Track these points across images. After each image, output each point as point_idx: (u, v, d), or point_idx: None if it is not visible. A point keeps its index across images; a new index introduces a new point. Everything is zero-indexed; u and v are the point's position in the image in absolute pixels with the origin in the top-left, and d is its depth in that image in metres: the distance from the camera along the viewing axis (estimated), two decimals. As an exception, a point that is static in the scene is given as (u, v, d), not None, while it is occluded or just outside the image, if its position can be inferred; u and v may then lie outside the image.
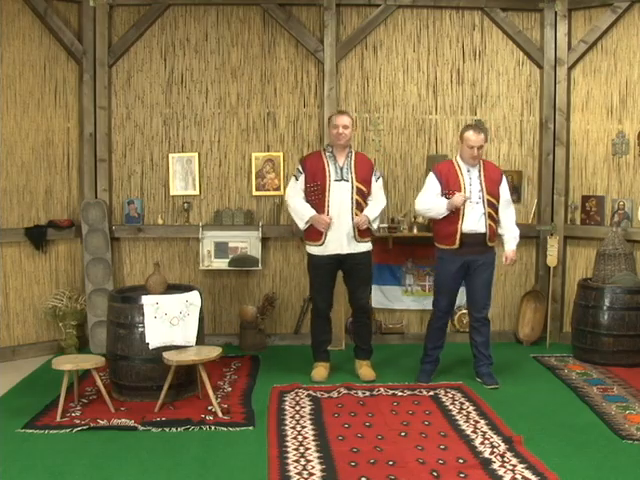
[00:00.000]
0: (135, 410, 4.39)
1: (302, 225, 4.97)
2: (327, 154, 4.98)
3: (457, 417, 4.31)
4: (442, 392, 4.78)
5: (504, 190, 4.97)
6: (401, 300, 6.20)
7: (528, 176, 6.18)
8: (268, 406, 4.51)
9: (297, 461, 3.65)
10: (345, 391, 4.78)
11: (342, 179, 4.92)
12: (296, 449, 3.80)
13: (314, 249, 4.99)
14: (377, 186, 5.06)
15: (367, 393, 4.75)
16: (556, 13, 5.98)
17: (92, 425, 4.13)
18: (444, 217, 4.85)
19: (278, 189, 5.99)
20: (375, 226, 5.08)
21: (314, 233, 4.95)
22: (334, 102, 5.91)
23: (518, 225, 5.08)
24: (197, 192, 6.06)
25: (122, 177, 6.06)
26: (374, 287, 6.08)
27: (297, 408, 4.46)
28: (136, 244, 6.09)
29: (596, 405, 4.51)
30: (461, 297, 5.22)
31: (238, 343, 6.04)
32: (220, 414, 4.30)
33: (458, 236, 4.82)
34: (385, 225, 5.91)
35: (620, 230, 5.69)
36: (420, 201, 4.95)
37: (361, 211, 4.94)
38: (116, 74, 5.98)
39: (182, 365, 4.41)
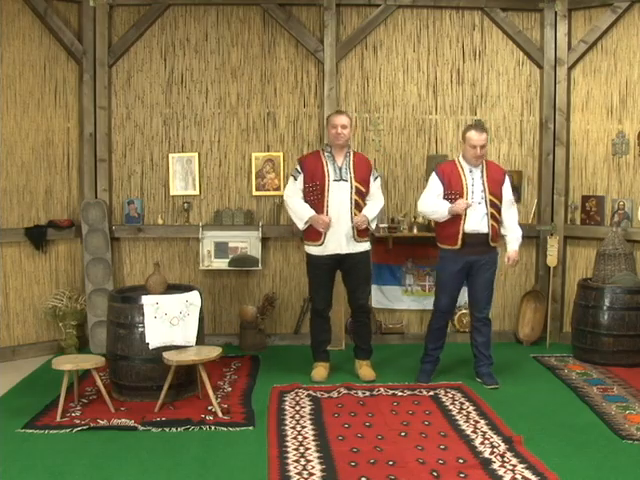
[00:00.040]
0: (135, 410, 4.39)
1: (301, 225, 4.97)
2: (326, 154, 4.98)
3: (457, 417, 4.31)
4: (442, 392, 4.78)
5: (507, 190, 4.96)
6: (401, 300, 6.20)
7: (528, 176, 6.18)
8: (268, 406, 4.51)
9: (297, 461, 3.65)
10: (345, 391, 4.78)
11: (341, 179, 4.92)
12: (296, 449, 3.80)
13: (313, 249, 4.98)
14: (375, 186, 5.06)
15: (367, 393, 4.75)
16: (556, 13, 5.99)
17: (92, 425, 4.13)
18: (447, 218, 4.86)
19: (278, 189, 5.98)
20: (373, 226, 5.09)
21: (313, 233, 4.95)
22: (334, 102, 5.91)
23: (519, 225, 5.08)
24: (197, 192, 6.07)
25: (122, 177, 6.06)
26: (374, 287, 6.10)
27: (297, 408, 4.46)
28: (136, 244, 6.09)
29: (596, 405, 4.51)
30: (461, 297, 5.23)
31: (238, 343, 6.04)
32: (220, 414, 4.30)
33: (460, 236, 4.82)
34: (385, 225, 5.91)
35: (620, 230, 5.69)
36: (423, 203, 4.95)
37: (360, 211, 4.94)
38: (116, 74, 5.98)
39: (182, 365, 4.41)
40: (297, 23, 5.96)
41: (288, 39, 6.02)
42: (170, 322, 4.57)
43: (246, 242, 6.02)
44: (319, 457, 3.70)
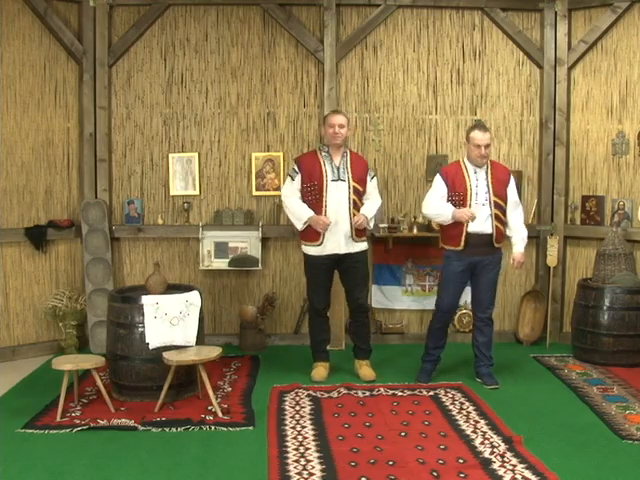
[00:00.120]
0: (135, 410, 4.39)
1: (300, 226, 4.97)
2: (323, 154, 4.98)
3: (457, 417, 4.31)
4: (442, 392, 4.78)
5: (512, 191, 4.94)
6: (401, 300, 6.20)
7: (528, 176, 6.18)
8: (268, 406, 4.51)
9: (297, 461, 3.65)
10: (345, 391, 4.78)
11: (339, 179, 4.92)
12: (296, 449, 3.80)
13: (311, 249, 4.98)
14: (372, 185, 5.07)
15: (367, 393, 4.75)
16: (556, 13, 5.99)
17: (92, 425, 4.13)
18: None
19: (278, 189, 5.97)
20: (372, 225, 5.10)
21: (312, 233, 4.94)
22: (334, 102, 5.91)
23: (524, 226, 5.07)
24: (197, 192, 6.07)
25: (122, 177, 6.06)
26: (374, 287, 6.11)
27: (297, 408, 4.46)
28: (136, 244, 6.09)
29: (596, 405, 4.51)
30: (461, 297, 5.22)
31: (238, 343, 6.04)
32: (220, 414, 4.30)
33: (463, 237, 4.82)
34: (385, 225, 5.92)
35: (620, 230, 5.69)
36: (427, 205, 4.94)
37: (358, 210, 4.94)
38: (116, 74, 5.98)
39: (182, 365, 4.41)
40: (297, 23, 5.96)
41: (288, 39, 6.02)
42: (170, 322, 4.57)
43: (246, 242, 6.02)
44: (319, 457, 3.70)
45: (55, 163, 5.86)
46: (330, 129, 4.91)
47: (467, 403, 4.56)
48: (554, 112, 6.06)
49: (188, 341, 4.61)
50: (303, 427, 4.13)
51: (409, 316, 6.25)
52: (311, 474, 3.50)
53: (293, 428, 4.11)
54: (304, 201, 4.95)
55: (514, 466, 3.57)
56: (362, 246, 5.03)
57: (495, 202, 4.84)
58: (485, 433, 4.04)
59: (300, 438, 3.96)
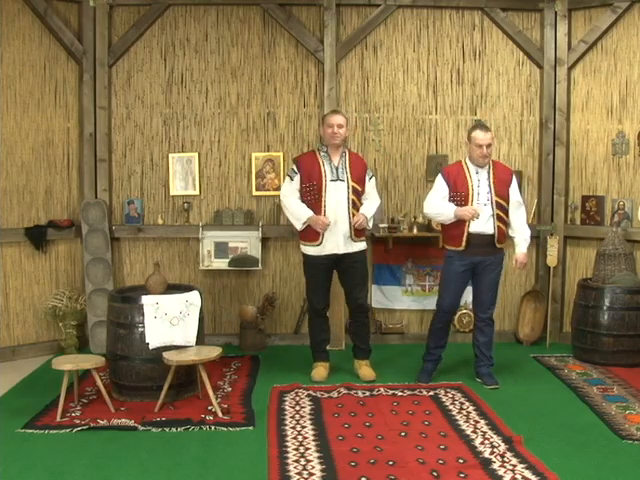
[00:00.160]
0: (135, 410, 4.39)
1: (299, 226, 4.96)
2: (322, 154, 4.98)
3: (457, 417, 4.31)
4: (442, 392, 4.78)
5: (514, 191, 4.93)
6: (401, 300, 6.20)
7: (528, 176, 6.18)
8: (268, 406, 4.51)
9: (297, 461, 3.65)
10: (345, 391, 4.78)
11: (338, 179, 4.92)
12: (296, 449, 3.80)
13: (310, 249, 4.98)
14: (370, 185, 5.08)
15: (367, 393, 4.75)
16: (556, 13, 5.99)
17: (92, 425, 4.13)
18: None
19: (278, 189, 5.95)
20: (370, 224, 5.11)
21: (311, 233, 4.94)
22: (334, 102, 5.91)
23: (527, 226, 5.07)
24: (197, 192, 6.07)
25: (122, 177, 6.06)
26: (374, 287, 6.11)
27: (297, 408, 4.46)
28: (136, 244, 6.09)
29: (596, 405, 4.51)
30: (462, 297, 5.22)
31: (238, 343, 6.04)
32: (220, 414, 4.30)
33: (465, 237, 4.81)
34: (385, 225, 5.92)
35: (620, 230, 5.69)
36: (429, 204, 4.94)
37: (357, 210, 4.94)
38: (116, 74, 5.98)
39: (182, 365, 4.41)
40: (297, 23, 5.96)
41: (288, 39, 6.02)
42: (170, 322, 4.57)
43: (246, 242, 6.02)
44: (319, 457, 3.70)
45: (55, 163, 5.87)
46: (329, 129, 4.90)
47: (467, 403, 4.56)
48: (554, 112, 6.06)
49: (188, 341, 4.61)
50: (303, 427, 4.13)
51: (409, 316, 6.25)
52: (311, 474, 3.50)
53: (293, 428, 4.11)
54: (303, 201, 4.95)
55: (514, 466, 3.58)
56: (361, 246, 5.03)
57: (497, 202, 4.83)
58: (485, 433, 4.04)
59: (300, 438, 3.96)
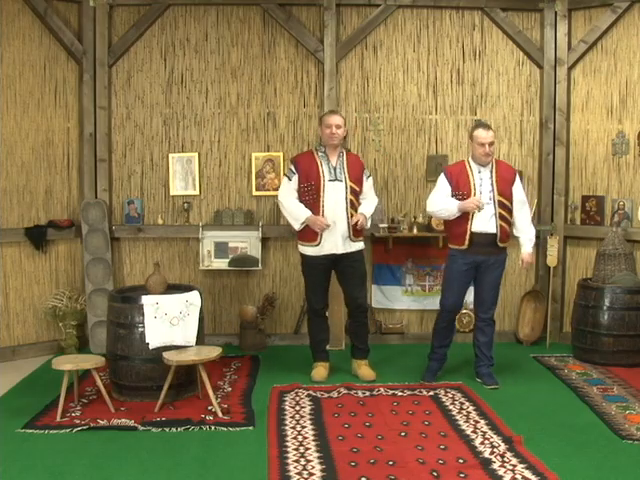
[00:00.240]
0: (135, 410, 4.39)
1: (297, 226, 4.96)
2: (319, 154, 4.98)
3: (457, 417, 4.31)
4: (442, 392, 4.78)
5: (517, 190, 4.92)
6: (401, 300, 6.20)
7: (528, 176, 6.18)
8: (268, 406, 4.51)
9: (297, 461, 3.65)
10: (345, 391, 4.78)
11: (336, 179, 4.92)
12: (296, 449, 3.80)
13: (309, 249, 4.98)
14: (368, 185, 5.08)
15: (367, 393, 4.75)
16: (556, 13, 5.99)
17: (92, 425, 4.13)
18: (455, 217, 4.85)
19: (278, 189, 5.95)
20: (369, 224, 5.11)
21: (310, 234, 4.94)
22: (334, 102, 5.91)
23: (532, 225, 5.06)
24: (197, 192, 6.06)
25: (122, 177, 6.06)
26: (374, 287, 6.11)
27: (297, 408, 4.46)
28: (136, 244, 6.09)
29: (596, 405, 4.51)
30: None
31: (238, 343, 6.04)
32: (220, 414, 4.30)
33: (467, 236, 4.81)
34: (385, 225, 5.92)
35: (620, 230, 5.69)
36: (431, 202, 4.94)
37: (355, 210, 4.95)
38: (116, 74, 5.98)
39: (182, 365, 4.41)
40: (297, 23, 5.96)
41: (288, 39, 6.02)
42: (170, 322, 4.57)
43: (246, 242, 6.02)
44: (319, 457, 3.70)
45: (55, 163, 5.87)
46: (327, 129, 4.90)
47: (467, 403, 4.56)
48: (554, 112, 6.06)
49: (188, 341, 4.61)
50: (303, 427, 4.13)
51: (409, 316, 6.25)
52: (311, 474, 3.50)
53: (293, 428, 4.11)
54: (301, 201, 4.95)
55: (514, 466, 3.57)
56: (359, 246, 5.03)
57: (499, 201, 4.82)
58: (485, 433, 4.04)
59: (300, 438, 3.96)
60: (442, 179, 4.93)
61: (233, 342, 6.07)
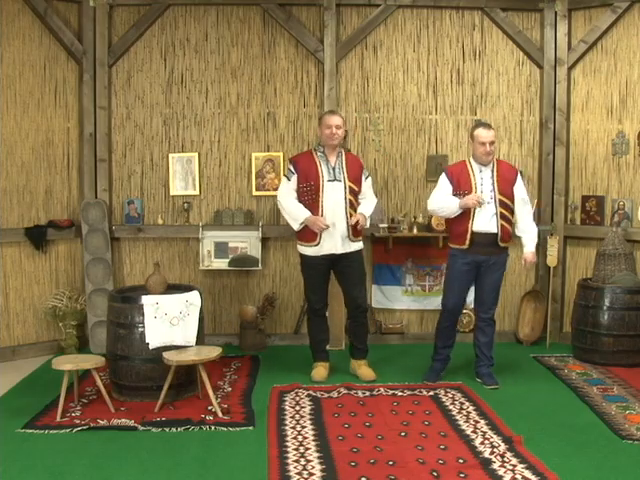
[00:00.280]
0: (135, 410, 4.39)
1: (296, 226, 4.96)
2: (318, 154, 4.97)
3: (457, 417, 4.31)
4: (442, 392, 4.78)
5: (519, 190, 4.91)
6: (401, 300, 6.20)
7: (528, 176, 6.17)
8: (268, 406, 4.51)
9: (297, 461, 3.65)
10: (345, 391, 4.78)
11: (335, 179, 4.92)
12: (296, 449, 3.80)
13: (308, 250, 4.98)
14: (367, 185, 5.09)
15: (367, 393, 4.75)
16: (556, 13, 5.99)
17: (92, 425, 4.13)
18: (456, 217, 4.85)
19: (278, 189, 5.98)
20: (368, 224, 5.12)
21: (309, 234, 4.94)
22: (334, 102, 5.91)
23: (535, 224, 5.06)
24: (197, 192, 6.07)
25: (122, 177, 6.06)
26: (374, 287, 6.11)
27: (297, 408, 4.46)
28: (136, 244, 6.09)
29: (596, 405, 4.51)
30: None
31: (238, 343, 6.04)
32: (220, 414, 4.30)
33: (468, 236, 4.81)
34: (385, 225, 5.92)
35: (620, 230, 5.69)
36: (432, 200, 4.95)
37: (354, 210, 4.95)
38: (116, 74, 5.98)
39: (182, 365, 4.41)
40: (297, 23, 5.96)
41: (288, 39, 6.02)
42: (170, 322, 4.57)
43: (246, 242, 6.02)
44: (319, 457, 3.70)
45: (55, 163, 5.86)
46: (327, 130, 4.90)
47: (467, 403, 4.56)
48: (554, 112, 6.06)
49: (188, 341, 4.61)
50: (303, 427, 4.13)
51: (409, 316, 6.25)
52: (311, 474, 3.50)
53: (293, 428, 4.11)
54: (300, 201, 4.95)
55: (514, 466, 3.58)
56: (358, 246, 5.04)
57: (500, 200, 4.82)
58: (485, 433, 4.04)
59: (300, 438, 3.96)
60: (443, 178, 4.93)
61: (233, 342, 6.07)
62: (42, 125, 5.77)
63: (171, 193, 6.06)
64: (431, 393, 4.77)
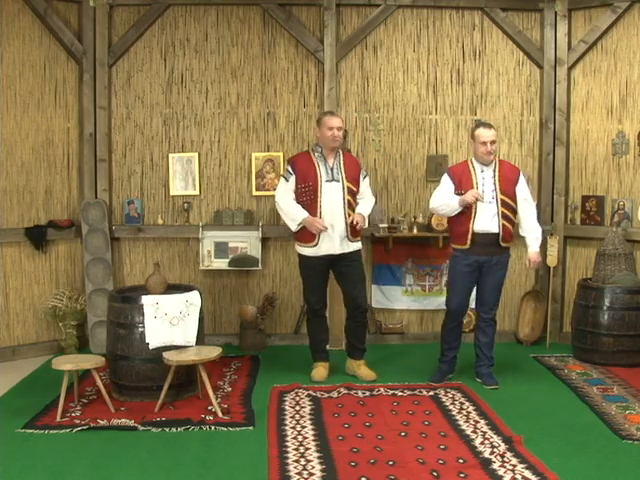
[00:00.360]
0: (135, 410, 4.39)
1: (294, 227, 4.95)
2: (316, 155, 4.97)
3: (457, 417, 4.31)
4: (442, 392, 4.78)
5: (521, 189, 4.90)
6: (401, 300, 6.19)
7: (528, 176, 6.15)
8: (268, 406, 4.51)
9: (297, 461, 3.65)
10: (345, 391, 4.78)
11: (333, 180, 4.92)
12: (296, 449, 3.80)
13: (306, 250, 4.98)
14: (365, 185, 5.09)
15: (367, 393, 4.75)
16: (556, 13, 5.99)
17: (92, 425, 4.13)
18: (457, 216, 4.84)
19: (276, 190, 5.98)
20: (366, 224, 5.13)
21: (307, 234, 4.93)
22: (334, 102, 5.91)
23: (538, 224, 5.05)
24: (197, 192, 6.06)
25: (122, 177, 6.06)
26: (374, 287, 6.11)
27: (297, 408, 4.46)
28: (136, 244, 6.09)
29: (596, 405, 4.51)
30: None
31: (238, 343, 6.04)
32: (220, 414, 4.30)
33: (469, 236, 4.81)
34: (385, 225, 5.92)
35: (620, 230, 5.69)
36: (434, 199, 4.95)
37: (352, 210, 4.94)
38: (116, 74, 5.98)
39: (182, 365, 4.41)
40: (297, 23, 5.96)
41: (288, 39, 6.02)
42: (170, 322, 4.57)
43: (246, 242, 6.02)
44: (319, 457, 3.70)
45: (55, 163, 5.87)
46: (329, 132, 4.89)
47: (467, 403, 4.56)
48: (554, 112, 6.06)
49: (188, 341, 4.61)
50: (303, 427, 4.13)
51: (409, 316, 6.25)
52: (311, 474, 3.50)
53: (293, 428, 4.11)
54: (299, 202, 4.94)
55: (514, 466, 3.58)
56: (357, 246, 5.03)
57: (502, 200, 4.81)
58: (485, 433, 4.04)
59: (300, 438, 3.96)
60: (445, 178, 4.93)
61: (233, 342, 6.07)
62: (42, 125, 5.77)
63: (171, 193, 6.06)
64: (431, 393, 4.77)
